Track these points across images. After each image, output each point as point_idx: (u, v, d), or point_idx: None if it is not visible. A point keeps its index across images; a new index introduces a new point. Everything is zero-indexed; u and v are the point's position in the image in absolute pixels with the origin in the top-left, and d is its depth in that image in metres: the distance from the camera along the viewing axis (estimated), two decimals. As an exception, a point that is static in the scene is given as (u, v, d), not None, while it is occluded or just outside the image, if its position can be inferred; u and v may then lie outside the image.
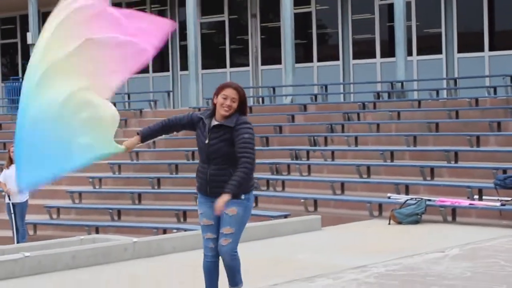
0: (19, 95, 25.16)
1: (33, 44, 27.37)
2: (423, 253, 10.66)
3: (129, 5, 28.34)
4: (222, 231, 6.95)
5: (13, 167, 15.42)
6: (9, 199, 15.63)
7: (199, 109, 23.22)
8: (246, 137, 6.83)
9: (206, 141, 6.91)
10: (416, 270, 9.51)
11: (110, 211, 18.26)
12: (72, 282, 9.35)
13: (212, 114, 6.98)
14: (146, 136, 7.12)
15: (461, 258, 10.31)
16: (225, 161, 6.86)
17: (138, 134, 7.09)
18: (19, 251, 9.98)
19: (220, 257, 7.05)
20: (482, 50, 22.12)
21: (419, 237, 12.63)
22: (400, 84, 21.42)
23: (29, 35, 27.74)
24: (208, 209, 6.99)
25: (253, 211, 15.56)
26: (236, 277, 7.11)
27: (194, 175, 7.20)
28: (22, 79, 29.37)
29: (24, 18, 29.55)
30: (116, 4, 26.83)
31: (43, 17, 29.89)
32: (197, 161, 19.15)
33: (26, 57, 30.60)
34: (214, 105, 6.96)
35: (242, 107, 6.95)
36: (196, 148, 7.06)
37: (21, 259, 9.60)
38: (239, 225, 6.97)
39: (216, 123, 6.92)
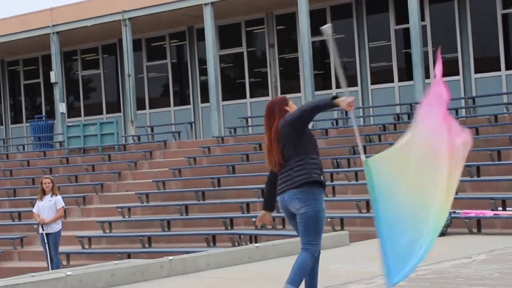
0: (43, 132, 25.34)
1: (56, 83, 27.97)
2: (450, 259, 10.97)
3: (148, 41, 28.89)
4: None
5: (46, 198, 15.79)
6: (43, 230, 15.91)
7: (222, 139, 23.66)
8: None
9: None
10: (446, 274, 9.80)
11: (141, 238, 18.61)
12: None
13: None
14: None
15: (488, 262, 10.60)
16: None
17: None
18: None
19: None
20: (499, 69, 22.43)
21: (446, 246, 12.89)
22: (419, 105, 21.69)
23: (52, 74, 28.28)
24: None
25: (282, 232, 15.89)
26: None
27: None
28: (46, 117, 30.05)
29: (47, 58, 30.14)
30: (136, 41, 27.42)
31: (65, 56, 30.54)
32: (223, 187, 19.78)
33: (49, 96, 31.20)
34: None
35: None
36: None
37: (63, 277, 9.96)
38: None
39: None
